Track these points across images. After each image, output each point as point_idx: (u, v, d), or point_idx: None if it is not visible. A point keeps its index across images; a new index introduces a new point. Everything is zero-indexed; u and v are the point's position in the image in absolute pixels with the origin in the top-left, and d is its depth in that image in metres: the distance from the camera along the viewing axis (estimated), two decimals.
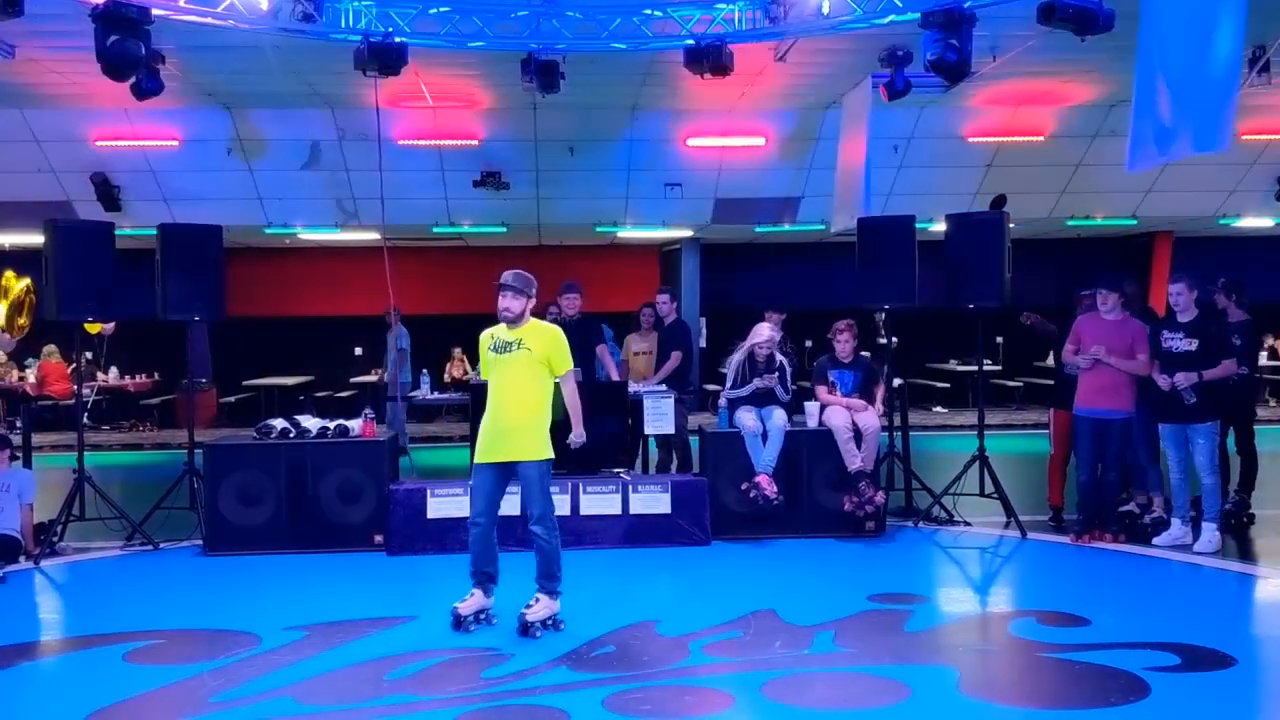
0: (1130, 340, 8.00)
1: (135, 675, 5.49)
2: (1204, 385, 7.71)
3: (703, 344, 17.73)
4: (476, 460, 6.20)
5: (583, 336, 9.62)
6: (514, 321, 6.10)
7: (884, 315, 12.01)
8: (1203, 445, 7.83)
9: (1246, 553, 8.08)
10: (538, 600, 6.07)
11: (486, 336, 6.24)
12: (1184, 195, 15.07)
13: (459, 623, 6.06)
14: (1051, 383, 9.49)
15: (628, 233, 16.31)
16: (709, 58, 9.03)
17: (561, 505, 8.17)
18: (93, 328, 9.78)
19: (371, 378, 17.21)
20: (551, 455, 6.13)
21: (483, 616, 6.16)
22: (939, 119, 13.50)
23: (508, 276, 6.14)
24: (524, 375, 6.07)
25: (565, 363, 6.18)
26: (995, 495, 8.78)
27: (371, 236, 15.49)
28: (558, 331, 6.24)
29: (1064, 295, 9.63)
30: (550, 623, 6.06)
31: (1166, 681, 5.13)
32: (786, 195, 14.97)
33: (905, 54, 9.98)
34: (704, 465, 8.79)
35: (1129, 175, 13.98)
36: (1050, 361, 9.60)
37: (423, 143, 13.48)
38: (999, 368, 16.56)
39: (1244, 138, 13.65)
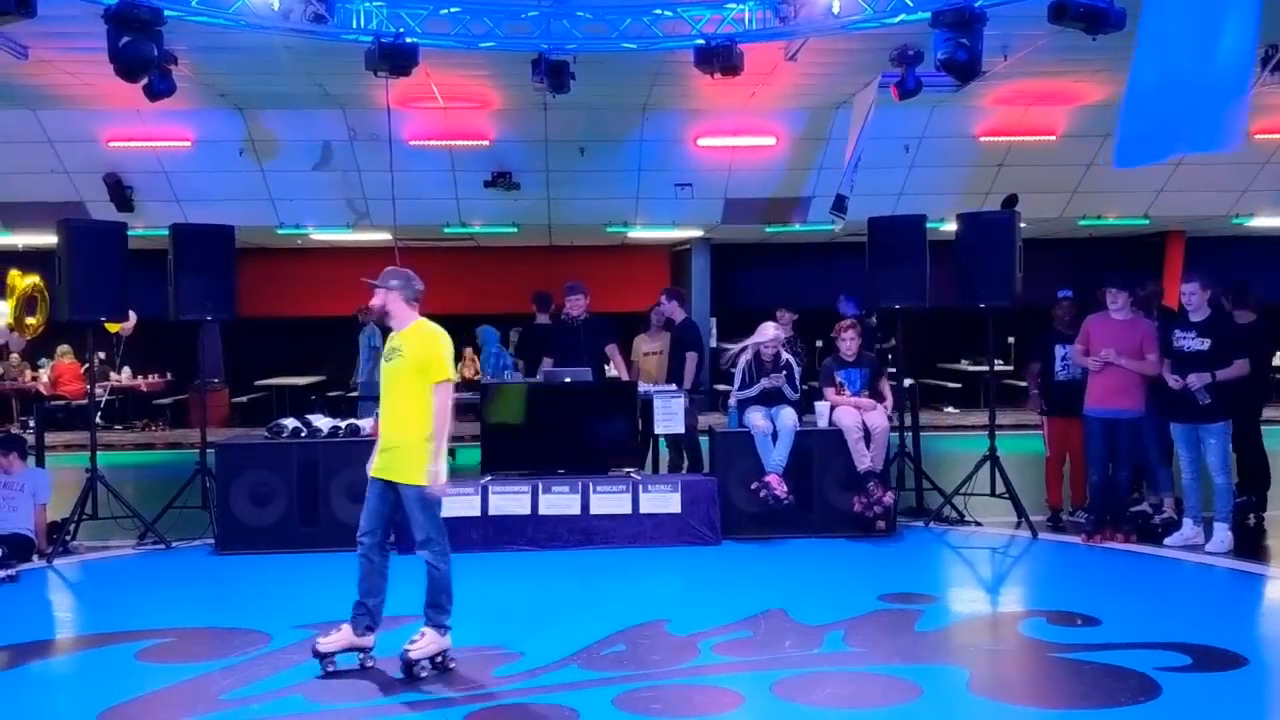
0: (1140, 340, 7.99)
1: (146, 673, 5.52)
2: (1217, 385, 7.69)
3: (713, 344, 17.69)
4: (369, 473, 5.65)
5: (589, 336, 9.64)
6: (396, 324, 5.57)
7: (875, 320, 12.07)
8: (1214, 445, 7.81)
9: (1259, 553, 8.04)
10: (423, 635, 5.38)
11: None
12: (1196, 195, 15.01)
13: (320, 659, 5.36)
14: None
15: (638, 233, 16.31)
16: (719, 58, 9.03)
17: (571, 505, 8.24)
18: (113, 326, 9.79)
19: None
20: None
21: (361, 656, 5.46)
22: (950, 118, 13.47)
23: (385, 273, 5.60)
24: (401, 385, 5.47)
25: (440, 370, 5.43)
26: (1006, 495, 8.77)
27: (383, 237, 15.53)
28: (438, 334, 5.54)
29: (1076, 295, 9.58)
30: (438, 661, 5.39)
31: (1177, 682, 5.12)
32: (797, 195, 14.95)
33: (916, 53, 9.96)
34: (714, 465, 8.79)
35: (1141, 175, 13.99)
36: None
37: (433, 143, 13.51)
38: (1010, 368, 16.51)
39: (1256, 137, 13.59)
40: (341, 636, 5.43)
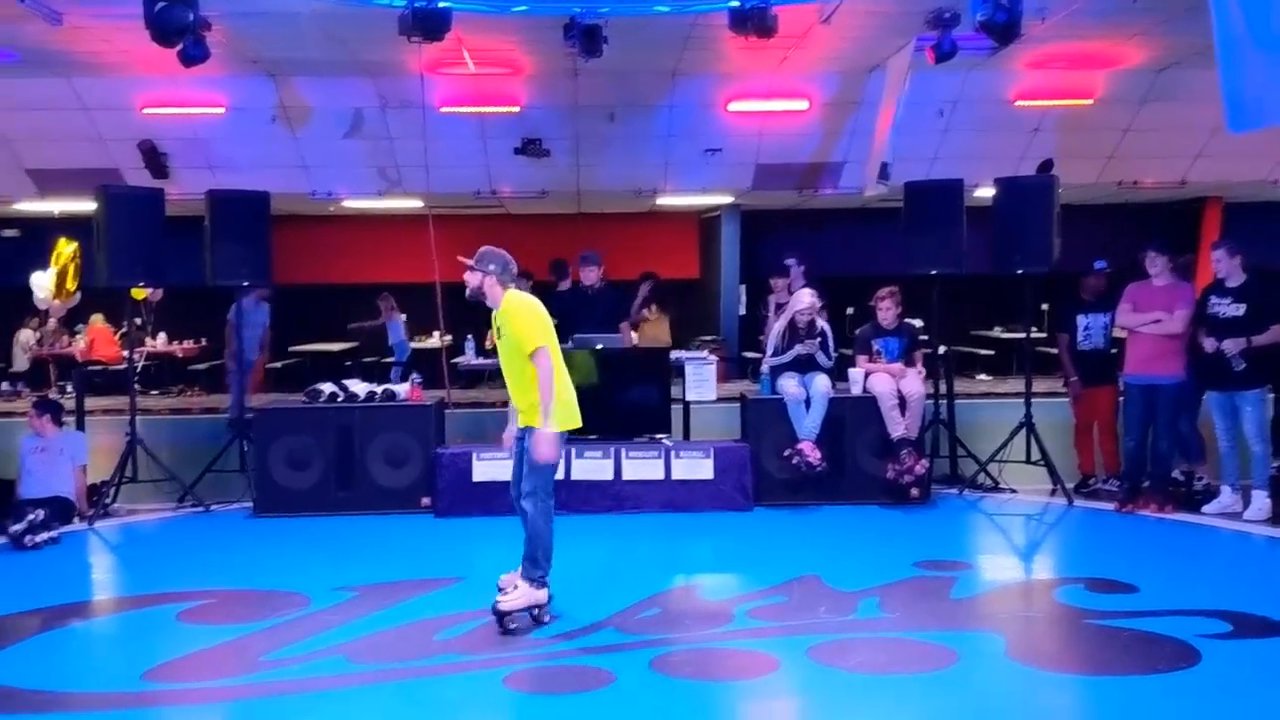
0: (1178, 304, 7.98)
1: (189, 634, 5.60)
2: (1253, 351, 7.61)
3: (741, 311, 17.66)
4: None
5: (604, 306, 9.60)
6: (492, 303, 5.75)
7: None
8: (1251, 413, 7.76)
9: None
10: (515, 587, 5.61)
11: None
12: (1233, 160, 14.76)
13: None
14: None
15: (667, 199, 16.24)
16: (753, 20, 8.90)
17: (604, 470, 8.27)
18: (138, 293, 9.88)
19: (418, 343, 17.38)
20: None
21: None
22: (985, 82, 13.29)
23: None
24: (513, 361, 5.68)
25: (530, 340, 5.53)
26: (1041, 463, 8.74)
27: (414, 204, 15.54)
28: (524, 305, 5.69)
29: (1114, 261, 9.52)
30: (534, 614, 5.59)
31: (1217, 648, 5.10)
32: (829, 160, 14.82)
33: (952, 16, 9.81)
34: (746, 432, 8.79)
35: (1179, 140, 13.82)
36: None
37: (464, 109, 13.46)
38: (1044, 334, 16.38)
39: None
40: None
